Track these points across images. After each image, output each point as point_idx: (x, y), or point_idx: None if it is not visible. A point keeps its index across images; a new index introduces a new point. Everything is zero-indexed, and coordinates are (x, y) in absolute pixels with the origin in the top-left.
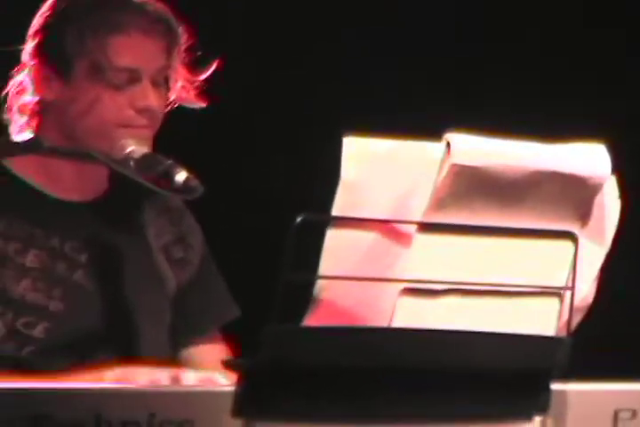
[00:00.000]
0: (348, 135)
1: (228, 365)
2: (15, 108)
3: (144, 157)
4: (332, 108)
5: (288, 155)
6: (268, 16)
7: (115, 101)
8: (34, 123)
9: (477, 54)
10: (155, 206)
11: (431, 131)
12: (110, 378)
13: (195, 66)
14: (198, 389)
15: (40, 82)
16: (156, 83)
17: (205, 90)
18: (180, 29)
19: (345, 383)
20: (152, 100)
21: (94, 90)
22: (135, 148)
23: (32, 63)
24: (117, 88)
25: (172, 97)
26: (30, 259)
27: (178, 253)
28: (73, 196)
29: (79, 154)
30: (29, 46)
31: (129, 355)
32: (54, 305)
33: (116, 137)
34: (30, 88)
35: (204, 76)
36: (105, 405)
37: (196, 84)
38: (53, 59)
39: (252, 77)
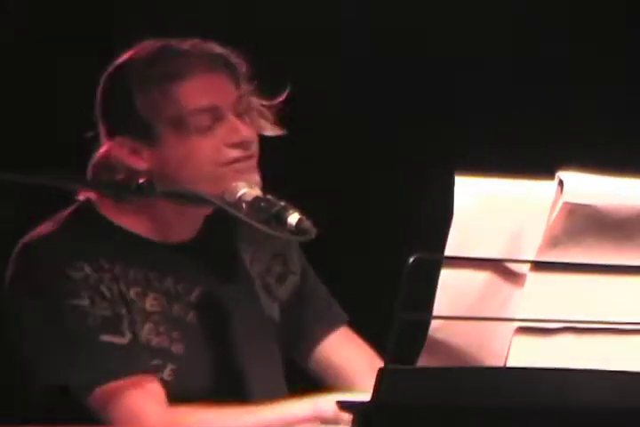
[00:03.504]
0: (460, 175)
1: (342, 406)
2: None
3: (255, 199)
4: (445, 147)
5: (400, 194)
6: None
7: (208, 146)
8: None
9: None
10: (248, 232)
11: (543, 169)
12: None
13: (262, 92)
14: None
15: (128, 156)
16: (239, 114)
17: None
18: (237, 60)
19: (462, 424)
20: (244, 131)
21: (184, 142)
22: (247, 190)
23: (113, 142)
24: (205, 131)
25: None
26: (150, 303)
27: (277, 267)
28: (173, 238)
29: (193, 198)
30: (102, 127)
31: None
32: (176, 348)
33: (224, 177)
34: (118, 165)
35: (276, 102)
36: None
37: (270, 110)
38: (131, 129)
39: (366, 116)
